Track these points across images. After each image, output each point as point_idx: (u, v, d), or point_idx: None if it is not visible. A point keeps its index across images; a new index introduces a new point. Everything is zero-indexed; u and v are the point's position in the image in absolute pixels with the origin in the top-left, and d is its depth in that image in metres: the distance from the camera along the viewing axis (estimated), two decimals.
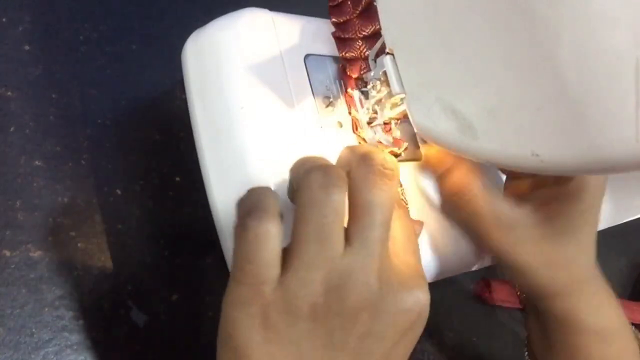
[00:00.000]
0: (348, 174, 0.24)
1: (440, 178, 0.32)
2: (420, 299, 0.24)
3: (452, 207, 0.32)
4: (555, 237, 0.30)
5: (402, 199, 0.31)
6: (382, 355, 0.23)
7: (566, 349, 0.33)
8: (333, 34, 0.33)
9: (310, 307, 0.22)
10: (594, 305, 0.32)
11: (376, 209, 0.23)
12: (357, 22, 0.31)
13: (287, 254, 0.23)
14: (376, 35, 0.31)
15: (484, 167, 0.34)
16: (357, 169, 0.24)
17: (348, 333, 0.23)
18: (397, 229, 0.26)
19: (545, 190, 0.31)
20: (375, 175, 0.24)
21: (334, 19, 0.32)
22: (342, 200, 0.23)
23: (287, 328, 0.22)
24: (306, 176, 0.23)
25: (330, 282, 0.22)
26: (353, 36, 0.32)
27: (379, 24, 0.26)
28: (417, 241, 0.27)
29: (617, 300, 0.34)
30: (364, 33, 0.31)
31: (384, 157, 0.25)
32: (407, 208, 0.28)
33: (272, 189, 0.28)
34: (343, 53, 0.32)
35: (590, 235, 0.31)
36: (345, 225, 0.24)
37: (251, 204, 0.23)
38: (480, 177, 0.30)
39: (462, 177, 0.30)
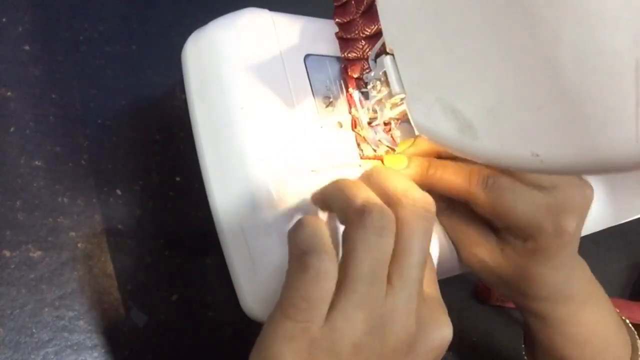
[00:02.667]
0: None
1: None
2: (446, 336, 0.25)
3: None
4: (517, 270, 0.31)
5: None
6: None
7: (546, 349, 0.33)
8: (336, 34, 0.33)
9: (353, 346, 0.23)
10: (566, 312, 0.32)
11: (416, 251, 0.24)
12: (360, 21, 0.32)
13: (336, 291, 0.23)
14: (378, 35, 0.31)
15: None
16: (399, 207, 0.25)
17: None
18: (421, 260, 0.26)
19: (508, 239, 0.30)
20: (418, 217, 0.24)
21: (337, 20, 0.32)
22: (391, 244, 0.24)
23: None
24: (360, 214, 0.24)
25: (373, 322, 0.23)
26: (356, 36, 0.32)
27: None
28: (435, 272, 0.28)
29: (603, 306, 0.34)
30: (366, 33, 0.31)
31: (423, 196, 0.25)
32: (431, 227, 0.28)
33: (272, 190, 0.28)
34: (345, 53, 0.32)
35: (558, 271, 0.30)
36: None
37: (309, 239, 0.24)
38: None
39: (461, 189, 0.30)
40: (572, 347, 0.32)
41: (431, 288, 0.26)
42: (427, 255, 0.25)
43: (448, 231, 0.32)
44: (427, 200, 0.25)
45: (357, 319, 0.23)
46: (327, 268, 0.23)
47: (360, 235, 0.23)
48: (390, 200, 0.25)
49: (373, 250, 0.23)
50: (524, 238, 0.29)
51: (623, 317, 0.37)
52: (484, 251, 0.31)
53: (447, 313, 0.26)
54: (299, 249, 0.24)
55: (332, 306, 0.23)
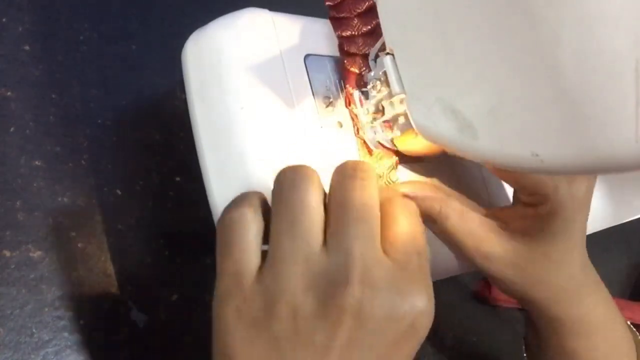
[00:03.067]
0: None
1: None
2: (415, 306, 0.22)
3: (429, 228, 0.31)
4: (526, 255, 0.30)
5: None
6: None
7: (555, 352, 0.33)
8: (329, 15, 0.33)
9: (288, 305, 0.22)
10: (578, 314, 0.31)
11: (350, 207, 0.23)
12: (350, 0, 0.32)
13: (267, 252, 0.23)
14: (372, 11, 0.31)
15: (466, 176, 0.34)
16: (332, 177, 0.25)
17: (330, 338, 0.21)
18: (401, 227, 0.25)
19: (517, 209, 0.30)
20: (346, 177, 0.24)
21: (328, 2, 0.32)
22: (309, 193, 0.23)
23: (267, 326, 0.22)
24: (277, 175, 0.24)
25: (309, 281, 0.22)
26: (348, 15, 0.32)
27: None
28: (424, 242, 0.25)
29: (609, 307, 0.33)
30: (358, 10, 0.31)
31: (355, 161, 0.25)
32: (416, 207, 0.27)
33: (271, 187, 0.28)
34: (339, 32, 0.32)
35: (569, 252, 0.30)
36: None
37: (235, 199, 0.24)
38: (447, 200, 0.30)
39: (428, 205, 0.29)
40: (583, 351, 0.32)
41: (410, 256, 0.24)
42: (368, 213, 0.23)
43: (451, 237, 0.30)
44: (361, 162, 0.25)
45: (288, 275, 0.22)
46: (242, 211, 0.23)
47: (276, 192, 0.24)
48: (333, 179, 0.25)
49: (288, 201, 0.23)
50: (539, 201, 0.29)
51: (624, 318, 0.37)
52: (493, 244, 0.30)
53: (423, 283, 0.23)
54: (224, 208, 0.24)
55: (263, 263, 0.23)
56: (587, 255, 0.32)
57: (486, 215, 0.31)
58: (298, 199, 0.23)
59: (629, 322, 0.37)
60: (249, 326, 0.22)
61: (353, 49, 0.32)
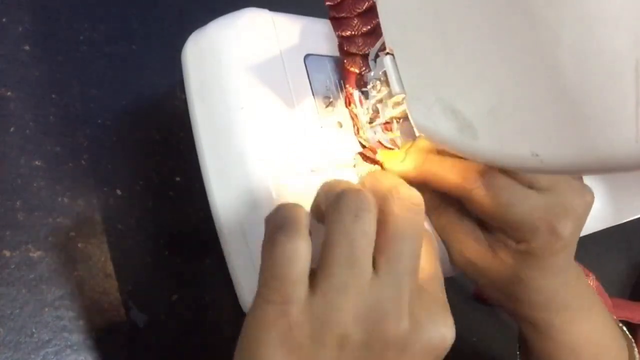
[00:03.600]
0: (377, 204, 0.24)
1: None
2: (446, 337, 0.23)
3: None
4: (509, 276, 0.30)
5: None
6: None
7: (538, 353, 0.33)
8: (329, 15, 0.33)
9: (337, 335, 0.22)
10: (560, 323, 0.32)
11: (405, 241, 0.23)
12: (350, 1, 0.32)
13: (315, 277, 0.23)
14: (372, 10, 0.31)
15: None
16: (386, 201, 0.24)
17: None
18: (424, 260, 0.25)
19: (500, 236, 0.30)
20: (404, 208, 0.24)
21: (328, 2, 0.32)
22: (371, 225, 0.23)
23: (312, 353, 0.22)
24: (337, 199, 0.23)
25: (358, 311, 0.22)
26: (348, 15, 0.32)
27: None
28: (441, 272, 0.27)
29: (603, 315, 0.33)
30: (358, 10, 0.31)
31: (410, 191, 0.25)
32: (433, 238, 0.28)
33: (272, 190, 0.28)
34: (339, 32, 0.32)
35: (551, 278, 0.30)
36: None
37: (281, 219, 0.23)
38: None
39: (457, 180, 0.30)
40: (567, 356, 0.32)
41: (432, 285, 0.25)
42: (417, 247, 0.24)
43: (438, 231, 0.31)
44: (415, 194, 0.25)
45: (340, 305, 0.22)
46: (296, 244, 0.22)
47: (335, 217, 0.23)
48: (377, 196, 0.24)
49: (349, 232, 0.22)
50: (517, 239, 0.29)
51: (620, 325, 0.37)
52: (474, 252, 0.30)
53: (449, 313, 0.24)
54: (271, 228, 0.23)
55: (313, 290, 0.22)
56: (579, 273, 0.32)
57: (476, 228, 0.31)
58: (360, 232, 0.23)
59: (623, 327, 0.37)
60: (291, 352, 0.22)
61: (353, 49, 0.32)
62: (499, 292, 0.32)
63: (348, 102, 0.32)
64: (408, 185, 0.25)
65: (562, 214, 0.27)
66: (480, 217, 0.30)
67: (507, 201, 0.27)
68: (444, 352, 0.24)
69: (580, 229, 0.29)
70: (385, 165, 0.31)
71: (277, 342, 0.22)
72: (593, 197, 0.29)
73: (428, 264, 0.26)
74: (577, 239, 0.29)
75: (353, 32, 0.32)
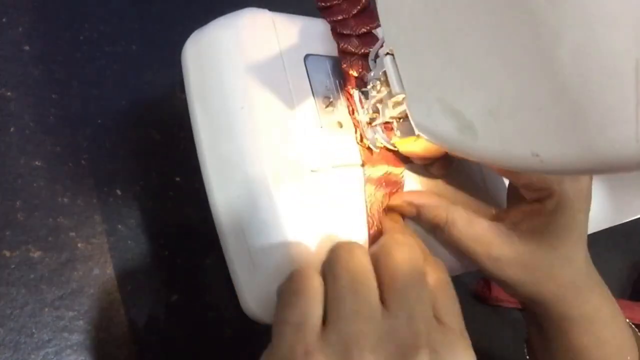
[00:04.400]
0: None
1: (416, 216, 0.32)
2: None
3: (435, 237, 0.32)
4: (536, 253, 0.30)
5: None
6: None
7: (564, 350, 0.33)
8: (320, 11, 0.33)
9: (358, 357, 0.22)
10: (587, 310, 0.32)
11: (401, 272, 0.24)
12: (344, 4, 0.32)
13: (326, 316, 0.23)
14: (366, 10, 0.31)
15: (468, 179, 0.34)
16: (377, 245, 0.26)
17: None
18: (439, 291, 0.26)
19: (522, 208, 0.30)
20: (391, 243, 0.25)
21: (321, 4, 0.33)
22: (365, 255, 0.24)
23: None
24: (331, 248, 0.25)
25: (375, 341, 0.22)
26: (345, 16, 0.32)
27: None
28: (458, 305, 0.27)
29: (613, 302, 0.33)
30: (353, 12, 0.32)
31: (405, 238, 0.26)
32: (446, 269, 0.28)
33: (272, 190, 0.28)
34: (328, 18, 0.32)
35: (576, 245, 0.31)
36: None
37: (296, 282, 0.24)
38: (452, 208, 0.30)
39: (435, 213, 0.30)
40: (594, 347, 0.32)
41: (453, 317, 0.26)
42: (418, 276, 0.24)
43: (459, 243, 0.31)
44: (407, 239, 0.26)
45: (354, 333, 0.22)
46: (309, 271, 0.24)
47: (334, 258, 0.24)
48: (377, 248, 0.26)
49: (348, 264, 0.24)
50: (545, 196, 0.29)
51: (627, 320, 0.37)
52: (503, 247, 0.30)
53: (469, 344, 0.25)
54: (285, 292, 0.24)
55: (326, 323, 0.23)
56: (587, 251, 0.32)
57: (492, 218, 0.31)
58: (358, 262, 0.24)
59: (628, 321, 0.37)
60: None
61: (351, 49, 0.32)
62: (526, 281, 0.31)
63: (352, 111, 0.32)
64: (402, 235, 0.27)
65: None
66: (514, 184, 0.30)
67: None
68: None
69: (591, 189, 0.30)
70: (399, 146, 0.31)
71: None
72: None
73: (442, 296, 0.26)
74: (590, 198, 0.30)
75: (344, 16, 0.32)
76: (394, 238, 0.26)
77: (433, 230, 0.31)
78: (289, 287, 0.24)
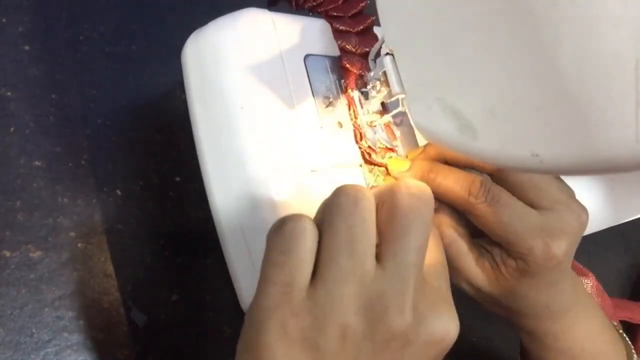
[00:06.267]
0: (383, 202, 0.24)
1: None
2: (450, 331, 0.23)
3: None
4: (511, 294, 0.31)
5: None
6: None
7: None
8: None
9: (339, 326, 0.22)
10: (558, 331, 0.32)
11: (412, 233, 0.23)
12: None
13: (316, 269, 0.23)
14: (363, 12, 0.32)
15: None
16: (394, 194, 0.24)
17: (374, 359, 0.22)
18: (430, 254, 0.26)
19: (498, 253, 0.30)
20: (412, 199, 0.24)
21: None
22: (370, 211, 0.23)
23: (313, 343, 0.22)
24: (336, 193, 0.24)
25: (362, 303, 0.22)
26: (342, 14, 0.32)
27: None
28: (447, 268, 0.27)
29: (600, 321, 0.34)
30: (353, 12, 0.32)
31: (419, 183, 0.25)
32: (438, 234, 0.28)
33: (272, 190, 0.28)
34: (335, 25, 0.32)
35: (550, 288, 0.31)
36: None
37: (287, 216, 0.23)
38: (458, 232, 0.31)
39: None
40: None
41: (437, 281, 0.25)
42: (423, 240, 0.23)
43: (449, 255, 0.31)
44: (423, 186, 0.25)
45: (342, 295, 0.22)
46: (303, 225, 0.23)
47: (335, 208, 0.23)
48: (386, 190, 0.24)
49: (348, 219, 0.23)
50: (515, 256, 0.29)
51: (619, 331, 0.37)
52: (481, 279, 0.31)
53: (452, 307, 0.24)
54: (278, 220, 0.23)
55: (315, 280, 0.22)
56: (575, 281, 0.33)
57: (473, 244, 0.31)
58: (360, 218, 0.23)
59: (623, 333, 0.37)
60: (293, 342, 0.22)
61: (348, 46, 0.32)
62: (499, 307, 0.32)
63: (354, 115, 0.32)
64: (416, 180, 0.26)
65: (557, 235, 0.28)
66: (480, 229, 0.30)
67: (508, 219, 0.28)
68: (449, 346, 0.23)
69: (575, 248, 0.30)
70: (391, 171, 0.31)
71: (279, 329, 0.22)
72: (588, 217, 0.30)
73: (433, 256, 0.26)
74: (572, 257, 0.30)
75: (340, 14, 0.32)
76: (407, 186, 0.24)
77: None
78: (278, 243, 0.23)
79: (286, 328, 0.22)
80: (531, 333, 0.33)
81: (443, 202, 0.30)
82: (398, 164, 0.31)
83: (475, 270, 0.31)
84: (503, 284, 0.30)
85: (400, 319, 0.22)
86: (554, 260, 0.28)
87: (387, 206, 0.24)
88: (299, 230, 0.22)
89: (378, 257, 0.23)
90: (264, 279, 0.23)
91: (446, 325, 0.23)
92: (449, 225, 0.30)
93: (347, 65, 0.32)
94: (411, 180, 0.25)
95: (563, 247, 0.28)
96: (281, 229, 0.23)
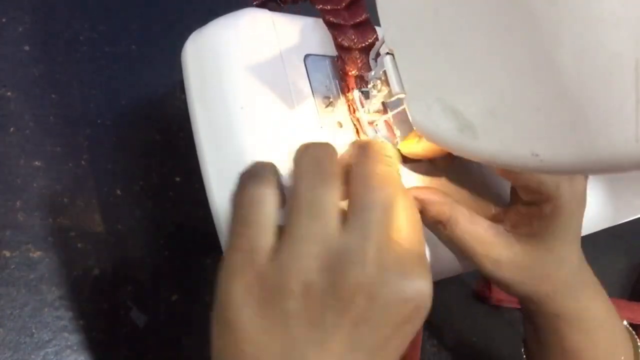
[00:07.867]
0: (349, 164, 0.24)
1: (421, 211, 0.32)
2: (421, 289, 0.23)
3: (435, 233, 0.32)
4: (532, 255, 0.30)
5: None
6: (376, 346, 0.22)
7: (558, 349, 0.33)
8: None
9: (302, 283, 0.22)
10: (579, 309, 0.32)
11: (375, 191, 0.23)
12: None
13: (282, 230, 0.23)
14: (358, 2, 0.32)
15: (469, 178, 0.34)
16: (356, 155, 0.24)
17: (341, 316, 0.22)
18: (403, 218, 0.25)
19: (521, 210, 0.30)
20: (374, 160, 0.24)
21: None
22: (333, 172, 0.23)
23: (278, 303, 0.22)
24: (301, 152, 0.24)
25: (325, 261, 0.22)
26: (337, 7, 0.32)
27: None
28: (422, 233, 0.26)
29: (607, 302, 0.34)
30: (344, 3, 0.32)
31: (382, 144, 0.25)
32: (413, 199, 0.28)
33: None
34: (327, 18, 0.32)
35: (570, 247, 0.31)
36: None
37: (251, 171, 0.24)
38: (455, 206, 0.30)
39: (439, 209, 0.30)
40: (586, 348, 0.32)
41: (410, 244, 0.24)
42: (388, 198, 0.23)
43: (460, 242, 0.31)
44: (387, 146, 0.25)
45: (305, 254, 0.22)
46: (263, 191, 0.23)
47: (297, 169, 0.23)
48: (352, 154, 0.25)
49: (310, 179, 0.23)
50: (541, 200, 0.29)
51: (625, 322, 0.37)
52: (501, 249, 0.30)
53: (425, 270, 0.24)
54: (241, 179, 0.24)
55: (278, 243, 0.23)
56: (582, 251, 0.33)
57: (491, 218, 0.31)
58: (322, 179, 0.23)
59: (626, 322, 0.37)
60: (258, 302, 0.22)
61: (346, 43, 0.32)
62: (522, 281, 0.31)
63: (353, 110, 0.32)
64: (380, 140, 0.26)
65: (575, 175, 0.29)
66: (513, 182, 0.30)
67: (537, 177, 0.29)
68: (421, 308, 0.23)
69: (586, 191, 0.30)
70: (402, 148, 0.31)
71: (244, 292, 0.22)
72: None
73: (408, 220, 0.25)
74: (585, 201, 0.30)
75: (335, 6, 0.32)
76: (371, 146, 0.24)
77: (435, 227, 0.31)
78: (238, 212, 0.23)
79: (251, 290, 0.22)
80: (553, 315, 0.32)
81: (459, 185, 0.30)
82: (408, 145, 0.31)
83: (502, 247, 0.30)
84: (529, 253, 0.30)
85: (361, 272, 0.22)
86: (579, 195, 0.29)
87: (354, 166, 0.24)
88: (258, 198, 0.23)
89: (344, 217, 0.23)
90: (229, 247, 0.23)
91: (416, 285, 0.23)
92: (461, 217, 0.30)
93: (345, 68, 0.32)
94: (374, 142, 0.25)
95: (582, 183, 0.29)
96: (241, 195, 0.23)
